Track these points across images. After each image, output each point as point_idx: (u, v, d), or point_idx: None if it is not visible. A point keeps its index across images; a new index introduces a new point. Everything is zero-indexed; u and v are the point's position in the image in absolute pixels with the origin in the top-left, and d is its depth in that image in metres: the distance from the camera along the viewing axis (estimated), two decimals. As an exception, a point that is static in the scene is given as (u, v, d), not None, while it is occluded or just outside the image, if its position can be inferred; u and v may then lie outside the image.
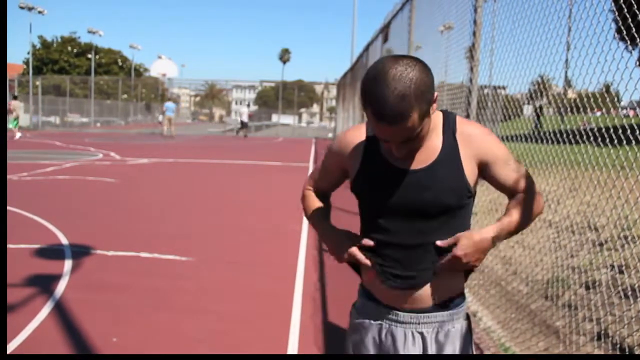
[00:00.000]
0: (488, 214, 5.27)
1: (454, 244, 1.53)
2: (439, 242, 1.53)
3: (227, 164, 14.50)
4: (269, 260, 5.58)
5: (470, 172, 1.54)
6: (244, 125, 28.39)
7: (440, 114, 1.59)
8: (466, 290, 4.44)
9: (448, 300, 1.61)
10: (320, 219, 1.75)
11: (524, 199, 1.58)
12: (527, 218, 1.59)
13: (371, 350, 1.67)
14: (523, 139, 4.22)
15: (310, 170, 13.64)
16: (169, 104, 26.37)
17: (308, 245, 6.24)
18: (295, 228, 7.03)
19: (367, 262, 1.60)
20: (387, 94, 1.34)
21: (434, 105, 1.44)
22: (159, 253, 5.61)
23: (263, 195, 9.63)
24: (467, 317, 1.69)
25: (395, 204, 1.55)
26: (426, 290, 1.58)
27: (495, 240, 1.53)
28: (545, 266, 4.10)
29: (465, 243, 1.51)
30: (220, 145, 22.41)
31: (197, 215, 7.66)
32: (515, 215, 1.57)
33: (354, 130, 1.69)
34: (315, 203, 1.80)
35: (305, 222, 7.37)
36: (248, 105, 30.62)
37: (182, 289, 4.60)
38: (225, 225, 7.08)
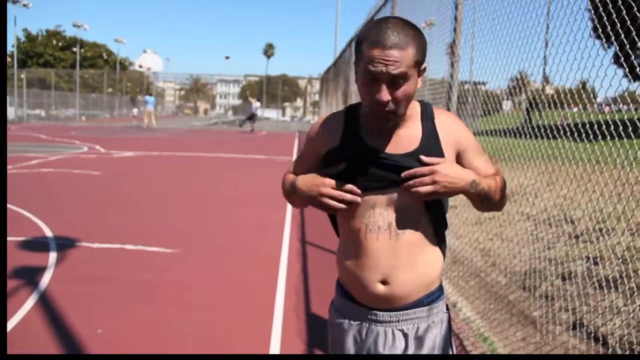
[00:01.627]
0: (469, 207, 5.30)
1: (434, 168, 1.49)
2: (423, 157, 1.49)
3: (211, 157, 14.39)
4: (253, 252, 5.55)
5: (449, 156, 1.54)
6: (252, 117, 27.19)
7: (418, 104, 1.60)
8: (446, 282, 4.48)
9: (426, 296, 1.60)
10: (294, 180, 1.67)
11: (500, 180, 1.58)
12: (500, 197, 1.57)
13: (352, 350, 1.64)
14: (502, 134, 4.24)
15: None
16: (149, 97, 26.21)
17: (291, 237, 6.22)
18: (279, 220, 7.00)
19: (350, 194, 1.53)
20: (388, 25, 1.40)
21: (422, 78, 1.48)
22: (144, 245, 5.55)
23: (247, 188, 9.58)
24: (447, 309, 1.68)
25: (373, 186, 1.53)
26: (404, 289, 1.55)
27: (473, 185, 1.49)
28: (523, 258, 4.14)
29: (450, 164, 1.50)
30: (204, 138, 22.24)
31: (182, 208, 7.59)
32: (493, 182, 1.55)
33: (331, 114, 1.68)
34: (291, 176, 1.72)
35: (288, 214, 7.35)
36: (259, 100, 29.29)
37: (167, 281, 4.55)
38: (209, 218, 7.02)
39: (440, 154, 1.52)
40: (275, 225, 6.77)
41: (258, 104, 27.85)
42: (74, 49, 47.08)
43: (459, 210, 5.28)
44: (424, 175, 1.46)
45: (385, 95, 1.42)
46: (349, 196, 1.52)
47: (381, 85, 1.41)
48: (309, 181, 1.58)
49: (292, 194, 1.65)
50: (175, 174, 10.90)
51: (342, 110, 1.66)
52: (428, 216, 1.56)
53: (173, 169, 11.75)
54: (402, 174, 1.48)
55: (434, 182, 1.45)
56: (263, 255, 5.43)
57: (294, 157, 15.66)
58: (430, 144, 1.53)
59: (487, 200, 1.54)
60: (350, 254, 1.61)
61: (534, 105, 4.39)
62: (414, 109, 1.57)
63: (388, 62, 1.39)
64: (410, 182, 1.47)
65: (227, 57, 29.38)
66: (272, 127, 34.95)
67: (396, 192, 1.52)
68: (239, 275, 4.80)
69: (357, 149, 1.55)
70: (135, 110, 45.26)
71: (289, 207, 7.86)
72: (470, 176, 1.49)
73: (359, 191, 1.52)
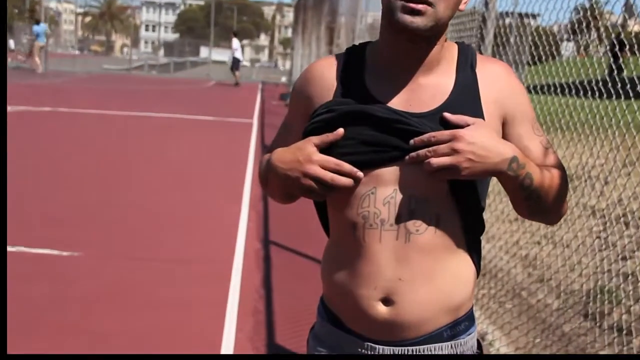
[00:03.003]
0: (505, 196, 5.31)
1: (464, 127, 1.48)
2: (447, 115, 1.49)
3: (133, 117, 14.27)
4: (192, 255, 5.55)
5: (491, 123, 1.54)
6: (235, 64, 27.27)
7: (455, 46, 1.62)
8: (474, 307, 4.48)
9: (449, 326, 1.60)
10: (270, 156, 1.66)
11: (559, 177, 1.58)
12: (554, 201, 1.57)
13: None
14: (559, 91, 4.24)
15: (255, 127, 13.56)
16: (39, 27, 25.78)
17: (248, 234, 6.22)
18: (232, 210, 7.00)
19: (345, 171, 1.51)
20: None
21: (463, 4, 1.54)
22: (27, 246, 5.48)
23: (187, 163, 9.56)
24: (479, 347, 1.70)
25: (375, 158, 1.52)
26: (414, 312, 1.55)
27: (513, 165, 1.47)
28: (586, 271, 4.15)
29: (482, 129, 1.47)
30: (122, 89, 22.02)
31: (87, 191, 7.52)
32: (547, 175, 1.55)
33: (326, 59, 1.70)
34: (268, 155, 1.72)
35: (245, 202, 7.34)
36: (235, 34, 28.73)
37: (63, 297, 4.51)
38: (129, 206, 6.98)
39: (477, 115, 1.51)
40: (225, 218, 6.76)
41: (236, 42, 27.50)
42: None
43: (491, 200, 5.28)
44: (441, 142, 1.45)
45: None
46: (343, 180, 1.50)
47: None
48: (288, 156, 1.56)
49: (269, 174, 1.64)
50: (78, 142, 10.79)
51: (341, 53, 1.69)
52: (455, 210, 1.55)
53: (75, 133, 11.64)
54: (411, 141, 1.48)
55: (453, 152, 1.43)
56: (207, 260, 5.43)
57: (256, 119, 15.66)
58: (464, 100, 1.54)
59: (534, 199, 1.53)
60: (341, 260, 1.62)
61: (607, 47, 4.39)
62: (449, 51, 1.59)
63: None
64: (420, 152, 1.46)
65: None
66: (225, 74, 34.74)
67: (410, 170, 1.51)
68: (170, 288, 4.78)
69: (357, 101, 1.55)
70: (12, 42, 44.34)
71: (246, 193, 7.83)
72: (510, 151, 1.47)
73: (360, 174, 1.51)
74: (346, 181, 1.49)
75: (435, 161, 1.44)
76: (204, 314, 4.37)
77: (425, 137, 1.46)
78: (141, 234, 6.04)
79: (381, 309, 1.55)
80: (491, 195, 5.33)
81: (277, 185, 1.63)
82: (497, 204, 5.19)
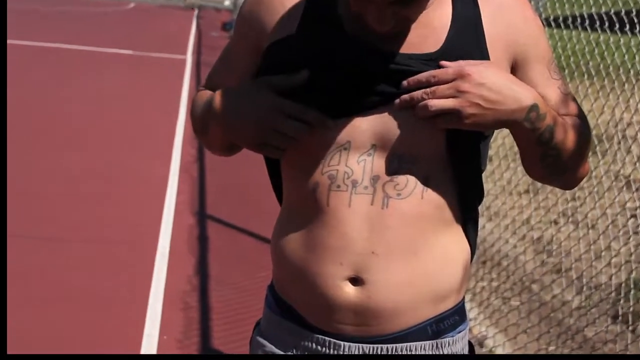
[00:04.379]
0: (513, 161, 5.34)
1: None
2: (445, 63, 1.49)
3: (24, 49, 14.12)
4: (105, 233, 5.57)
5: (499, 67, 1.55)
6: None
7: None
8: (468, 298, 4.49)
9: (434, 320, 1.63)
10: (214, 95, 1.69)
11: (579, 126, 1.62)
12: (575, 159, 1.61)
13: None
14: (588, 23, 4.23)
15: (189, 66, 13.45)
16: None
17: (179, 206, 6.27)
18: (158, 175, 7.05)
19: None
20: None
21: None
22: None
23: (98, 112, 9.53)
24: (470, 348, 1.74)
25: (350, 106, 1.54)
26: (389, 296, 1.57)
27: (532, 114, 1.48)
28: (616, 260, 4.17)
29: (492, 67, 1.50)
30: (15, 9, 21.68)
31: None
32: (566, 124, 1.58)
33: None
34: (207, 93, 1.77)
35: (174, 164, 7.36)
36: None
37: None
38: (22, 169, 6.89)
39: (478, 53, 1.54)
40: (149, 185, 6.82)
41: None
42: None
43: (495, 166, 5.31)
44: (443, 82, 1.46)
45: (381, 23, 1.43)
46: (309, 130, 1.52)
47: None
48: (239, 100, 1.61)
49: (210, 120, 1.68)
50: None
51: None
52: (449, 172, 1.58)
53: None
54: (404, 82, 1.49)
55: (457, 93, 1.45)
56: (124, 241, 5.47)
57: (190, 56, 15.53)
58: (464, 40, 1.55)
59: (552, 157, 1.57)
60: (297, 232, 1.64)
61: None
62: None
63: None
64: (416, 94, 1.48)
65: None
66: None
67: (394, 121, 1.53)
68: (78, 274, 4.80)
69: (327, 36, 1.56)
70: None
71: (177, 152, 7.86)
72: (530, 97, 1.49)
73: (330, 123, 1.53)
74: (313, 131, 1.53)
75: (434, 102, 1.45)
76: (120, 310, 4.39)
77: (423, 76, 1.47)
78: (41, 206, 6.03)
79: (348, 291, 1.56)
80: (495, 159, 5.35)
81: (220, 135, 1.66)
82: (502, 171, 5.21)
